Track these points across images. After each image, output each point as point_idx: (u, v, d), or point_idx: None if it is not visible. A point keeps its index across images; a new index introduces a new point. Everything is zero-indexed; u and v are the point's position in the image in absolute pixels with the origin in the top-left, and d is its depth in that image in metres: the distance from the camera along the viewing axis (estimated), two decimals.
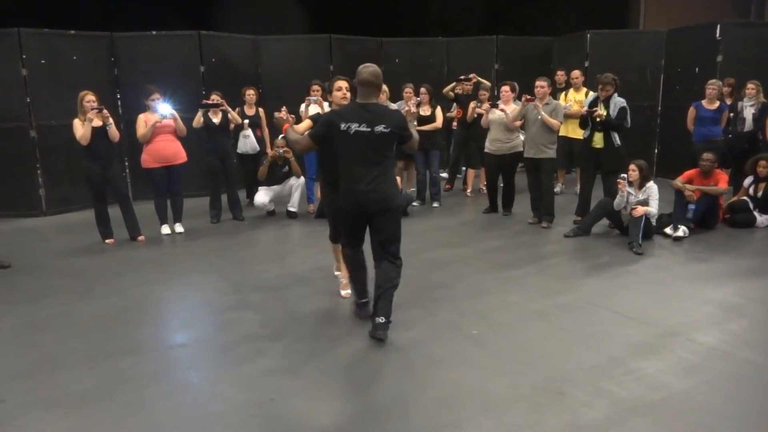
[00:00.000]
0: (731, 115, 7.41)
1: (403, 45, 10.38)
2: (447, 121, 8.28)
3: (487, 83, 7.92)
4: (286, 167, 7.14)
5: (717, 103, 7.21)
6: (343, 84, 4.19)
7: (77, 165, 6.13)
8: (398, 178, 7.17)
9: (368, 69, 3.63)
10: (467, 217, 7.25)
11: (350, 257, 4.06)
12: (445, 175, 9.01)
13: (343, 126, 3.57)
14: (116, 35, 8.45)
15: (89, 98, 5.83)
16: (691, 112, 7.40)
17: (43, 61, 7.75)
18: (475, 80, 8.16)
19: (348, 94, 4.16)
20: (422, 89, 7.49)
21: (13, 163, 7.73)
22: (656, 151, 9.67)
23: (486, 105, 7.56)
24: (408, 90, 7.69)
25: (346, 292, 4.50)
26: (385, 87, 7.57)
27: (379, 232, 3.75)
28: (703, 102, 7.25)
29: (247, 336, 3.86)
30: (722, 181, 6.19)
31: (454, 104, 8.42)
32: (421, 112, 7.44)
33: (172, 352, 3.67)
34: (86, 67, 8.06)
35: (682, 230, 5.92)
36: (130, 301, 4.55)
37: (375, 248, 3.81)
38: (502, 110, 6.72)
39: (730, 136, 7.42)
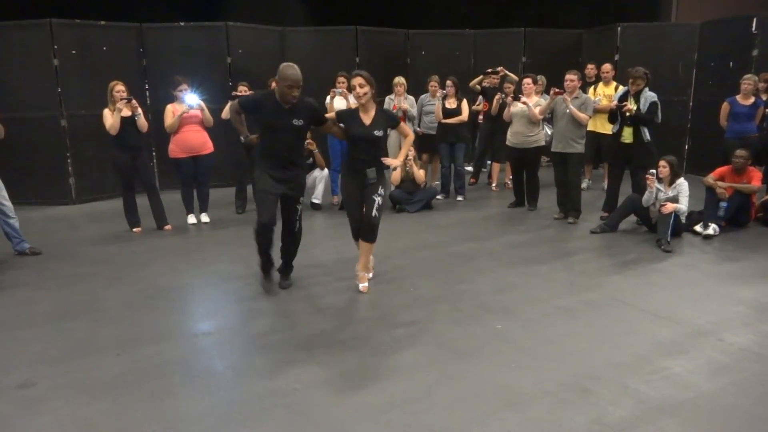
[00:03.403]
0: (766, 111, 7.21)
1: (429, 37, 10.32)
2: (473, 115, 8.21)
3: (514, 77, 7.82)
4: (311, 159, 7.16)
5: (752, 99, 7.01)
6: (355, 81, 4.26)
7: (106, 154, 6.23)
8: (422, 171, 7.16)
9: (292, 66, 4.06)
10: (492, 211, 7.20)
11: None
12: (470, 168, 8.95)
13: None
14: (145, 26, 8.54)
15: (119, 88, 5.92)
16: (725, 107, 7.22)
17: (74, 52, 7.88)
18: (502, 73, 8.07)
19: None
20: (448, 82, 7.42)
21: (44, 152, 7.88)
22: (687, 147, 9.48)
23: (498, 96, 7.50)
24: (433, 83, 7.64)
25: (363, 285, 4.52)
26: (402, 80, 7.58)
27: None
28: (738, 97, 7.06)
29: (271, 326, 3.89)
30: (755, 178, 6.03)
31: (480, 97, 8.34)
32: (447, 105, 7.39)
33: (197, 341, 3.71)
34: (116, 58, 8.17)
35: (712, 228, 5.79)
36: (156, 289, 4.61)
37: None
38: (524, 103, 6.64)
39: (764, 132, 7.22)
